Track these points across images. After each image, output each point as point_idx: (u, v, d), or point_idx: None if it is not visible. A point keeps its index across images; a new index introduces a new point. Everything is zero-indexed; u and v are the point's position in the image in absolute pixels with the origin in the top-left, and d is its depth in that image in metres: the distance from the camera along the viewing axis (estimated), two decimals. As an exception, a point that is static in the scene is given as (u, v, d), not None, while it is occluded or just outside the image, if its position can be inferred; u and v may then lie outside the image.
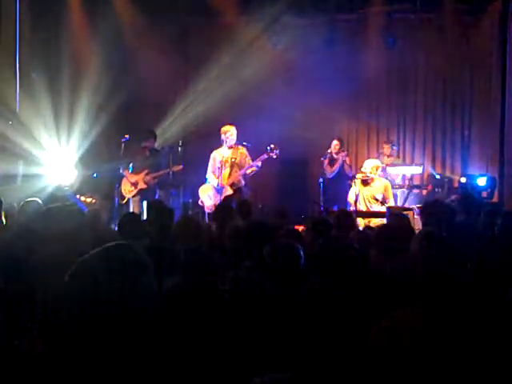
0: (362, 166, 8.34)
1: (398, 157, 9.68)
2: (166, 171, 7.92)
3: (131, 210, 7.61)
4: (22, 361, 2.27)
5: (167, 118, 10.35)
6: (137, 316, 1.57)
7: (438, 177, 9.39)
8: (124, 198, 7.93)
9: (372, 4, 9.56)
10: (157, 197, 7.94)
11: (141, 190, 7.86)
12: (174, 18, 9.86)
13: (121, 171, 8.00)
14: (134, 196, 7.86)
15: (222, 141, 7.65)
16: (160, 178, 7.99)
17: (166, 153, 8.11)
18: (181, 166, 7.99)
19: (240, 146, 7.66)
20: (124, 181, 7.96)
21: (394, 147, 9.46)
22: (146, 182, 7.84)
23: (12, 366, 2.17)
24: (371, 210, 7.48)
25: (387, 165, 8.90)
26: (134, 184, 7.85)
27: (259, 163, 7.55)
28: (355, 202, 7.33)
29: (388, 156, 9.23)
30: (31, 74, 8.99)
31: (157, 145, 8.43)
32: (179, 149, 8.35)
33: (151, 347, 1.64)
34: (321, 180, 7.98)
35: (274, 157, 7.61)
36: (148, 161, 7.90)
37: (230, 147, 7.63)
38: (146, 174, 7.85)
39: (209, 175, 7.74)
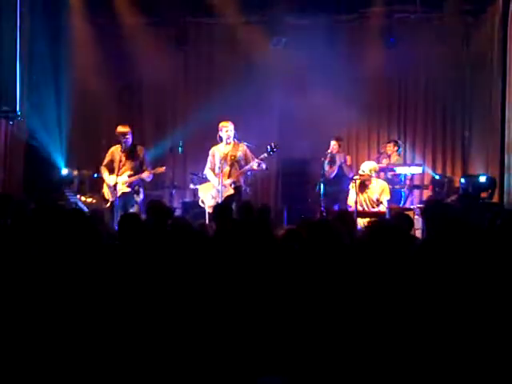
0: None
1: (400, 155, 9.64)
2: (149, 173, 7.47)
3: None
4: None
5: (167, 119, 10.37)
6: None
7: (437, 177, 9.38)
8: (107, 201, 7.50)
9: (372, 4, 9.57)
10: (142, 198, 7.50)
11: (124, 193, 7.41)
12: (174, 18, 9.87)
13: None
14: (118, 198, 7.37)
15: (220, 137, 7.58)
16: (143, 180, 7.52)
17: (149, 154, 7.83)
18: (163, 168, 7.68)
19: (241, 143, 7.54)
20: (104, 184, 7.57)
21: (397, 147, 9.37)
22: (128, 185, 7.41)
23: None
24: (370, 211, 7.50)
25: (388, 165, 8.90)
26: (114, 187, 7.35)
27: (259, 167, 7.45)
28: (355, 202, 7.34)
29: (389, 156, 9.21)
30: (32, 76, 9.00)
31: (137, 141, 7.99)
32: (180, 149, 8.33)
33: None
34: (321, 180, 7.98)
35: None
36: (128, 161, 7.46)
37: (229, 143, 7.52)
38: (129, 177, 7.42)
39: (207, 171, 7.62)
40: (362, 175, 7.56)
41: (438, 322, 2.52)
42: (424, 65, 9.94)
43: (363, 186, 7.53)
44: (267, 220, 5.26)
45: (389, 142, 9.44)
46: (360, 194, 7.52)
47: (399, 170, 8.82)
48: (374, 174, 7.66)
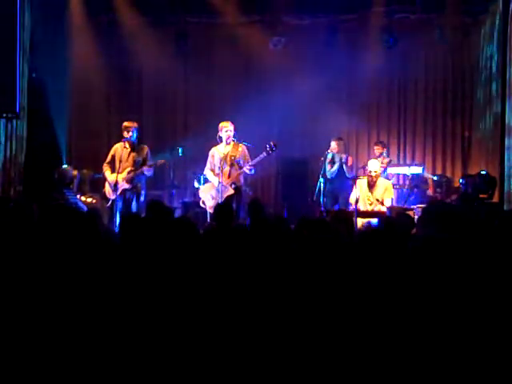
0: (362, 166, 8.37)
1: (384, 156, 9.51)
2: (149, 166, 7.36)
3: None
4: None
5: (167, 119, 10.37)
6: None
7: (435, 178, 9.36)
8: (108, 200, 7.43)
9: (372, 4, 9.57)
10: (143, 197, 7.43)
11: (124, 190, 7.35)
12: (174, 18, 9.88)
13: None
14: (118, 196, 7.30)
15: (220, 138, 7.57)
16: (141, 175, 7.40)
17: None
18: (163, 160, 7.58)
19: (240, 144, 7.52)
20: (106, 183, 7.51)
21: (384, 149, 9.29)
22: (128, 181, 7.32)
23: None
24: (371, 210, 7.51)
25: (387, 164, 8.90)
26: (115, 184, 7.25)
27: (250, 172, 7.42)
28: (356, 202, 7.34)
29: (378, 157, 9.17)
30: (31, 75, 9.00)
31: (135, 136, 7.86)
32: (179, 149, 8.32)
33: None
34: (321, 180, 7.98)
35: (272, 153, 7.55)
36: (131, 157, 7.38)
37: (229, 143, 7.50)
38: (129, 173, 7.34)
39: (207, 172, 7.61)
40: (374, 175, 7.57)
41: (436, 323, 2.52)
42: (424, 65, 9.95)
43: (372, 185, 7.56)
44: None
45: (375, 144, 9.40)
46: (368, 193, 7.55)
47: (394, 170, 8.83)
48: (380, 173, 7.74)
